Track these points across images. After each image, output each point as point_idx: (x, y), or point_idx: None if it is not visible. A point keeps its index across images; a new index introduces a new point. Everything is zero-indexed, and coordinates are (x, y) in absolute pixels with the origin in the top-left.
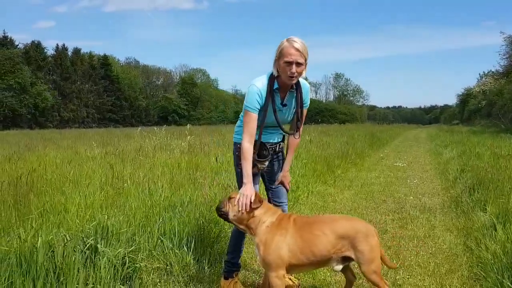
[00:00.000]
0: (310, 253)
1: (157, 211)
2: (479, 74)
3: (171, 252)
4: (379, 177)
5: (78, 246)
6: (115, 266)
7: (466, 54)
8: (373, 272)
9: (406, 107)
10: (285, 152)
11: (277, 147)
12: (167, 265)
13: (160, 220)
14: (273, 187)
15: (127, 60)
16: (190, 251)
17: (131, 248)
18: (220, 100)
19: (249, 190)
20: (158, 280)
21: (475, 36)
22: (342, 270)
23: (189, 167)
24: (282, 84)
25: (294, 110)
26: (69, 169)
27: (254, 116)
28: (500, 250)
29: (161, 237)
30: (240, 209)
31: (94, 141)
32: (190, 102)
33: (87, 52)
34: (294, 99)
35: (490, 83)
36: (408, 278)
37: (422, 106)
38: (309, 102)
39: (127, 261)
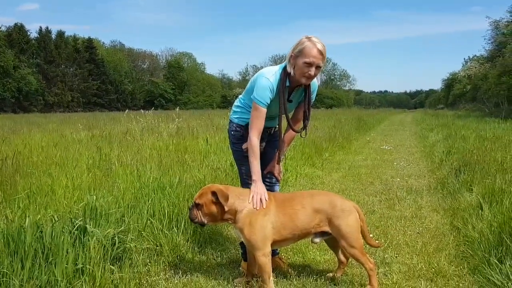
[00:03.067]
0: (292, 227)
1: (146, 192)
2: (464, 59)
3: (160, 233)
4: (366, 159)
5: (66, 227)
6: (104, 246)
7: (452, 40)
8: (352, 247)
9: (392, 92)
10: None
11: (272, 130)
12: (156, 246)
13: (150, 201)
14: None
15: (112, 43)
16: (180, 232)
17: (121, 229)
18: (207, 84)
19: (261, 187)
20: (148, 261)
21: (461, 22)
22: (334, 251)
23: (177, 149)
24: (293, 82)
25: (296, 105)
26: (55, 151)
27: (264, 111)
28: (487, 229)
29: (150, 218)
30: (254, 207)
31: (80, 124)
32: (177, 87)
33: (71, 35)
34: (300, 96)
35: (475, 67)
36: (396, 256)
37: (408, 91)
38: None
39: (116, 241)
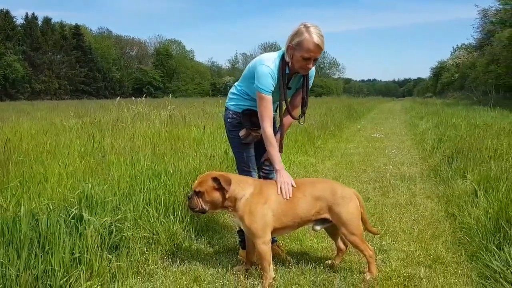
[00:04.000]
0: (293, 215)
1: (141, 180)
2: (453, 47)
3: (157, 221)
4: (357, 147)
5: (62, 215)
6: (101, 235)
7: (440, 28)
8: (352, 234)
9: (380, 80)
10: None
11: None
12: (153, 234)
13: (145, 189)
14: (262, 160)
15: (100, 30)
16: (176, 220)
17: (118, 217)
18: (196, 72)
19: (286, 176)
20: (145, 249)
21: (450, 10)
22: (333, 239)
23: (170, 137)
24: (292, 69)
25: (294, 92)
26: (46, 139)
27: (270, 99)
28: (484, 216)
29: (146, 206)
30: (285, 197)
31: (71, 111)
32: (166, 74)
33: (58, 22)
34: (298, 83)
35: (463, 56)
36: (393, 243)
37: (396, 79)
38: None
39: (114, 230)
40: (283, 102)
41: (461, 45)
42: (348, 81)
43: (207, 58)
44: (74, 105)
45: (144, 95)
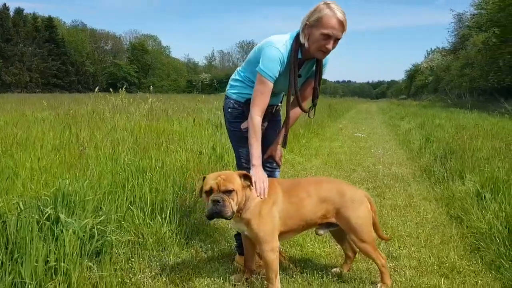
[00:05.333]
0: (298, 218)
1: (124, 176)
2: (427, 51)
3: (143, 223)
4: (342, 146)
5: (34, 216)
6: (81, 239)
7: (415, 32)
8: (362, 241)
9: (355, 82)
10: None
11: (274, 108)
12: (139, 238)
13: (129, 186)
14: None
15: (74, 23)
16: (164, 222)
17: (101, 219)
18: (172, 68)
19: (261, 173)
20: (130, 255)
21: (425, 14)
22: (341, 244)
23: (152, 131)
24: (305, 54)
25: (304, 81)
26: (15, 131)
27: (270, 86)
28: (496, 220)
29: (130, 207)
30: (260, 196)
31: (42, 103)
32: (141, 69)
33: (30, 13)
34: (309, 70)
35: (438, 59)
36: (402, 249)
37: (370, 81)
38: None
39: (95, 233)
40: (292, 92)
41: (435, 49)
42: (323, 81)
43: (184, 55)
44: (46, 98)
45: (124, 86)
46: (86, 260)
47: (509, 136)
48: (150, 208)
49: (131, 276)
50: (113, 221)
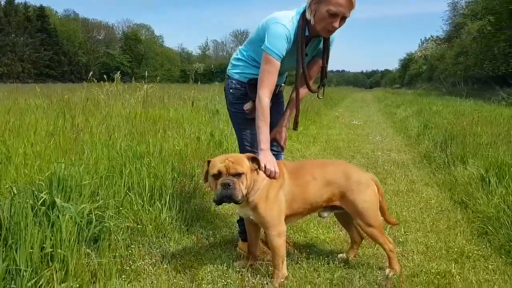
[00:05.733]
0: (303, 201)
1: (121, 161)
2: (421, 39)
3: (141, 209)
4: (340, 134)
5: (28, 201)
6: (78, 225)
7: (409, 21)
8: (369, 226)
9: (349, 71)
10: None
11: (278, 89)
12: (137, 224)
13: (127, 172)
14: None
15: (66, 13)
16: (164, 208)
17: (98, 203)
18: (165, 58)
19: (271, 157)
20: (129, 242)
21: (419, 3)
22: (347, 229)
23: (149, 117)
24: (312, 31)
25: (310, 60)
26: (8, 118)
27: (278, 65)
28: (504, 204)
29: (128, 192)
30: (272, 176)
31: (35, 92)
32: (134, 59)
33: (22, 3)
34: (315, 49)
35: (432, 48)
36: (408, 234)
37: (364, 71)
38: None
39: (93, 219)
40: (300, 71)
41: (430, 38)
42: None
43: (177, 44)
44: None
45: (119, 72)
46: (84, 247)
47: (508, 122)
48: (148, 194)
49: (131, 263)
50: (111, 206)
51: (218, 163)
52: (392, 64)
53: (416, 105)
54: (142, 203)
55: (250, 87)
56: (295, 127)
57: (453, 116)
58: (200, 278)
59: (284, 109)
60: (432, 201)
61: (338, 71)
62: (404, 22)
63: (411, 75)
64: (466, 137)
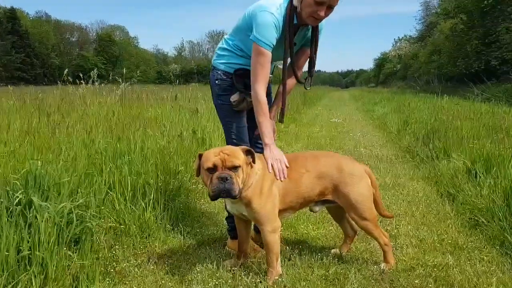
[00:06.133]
0: (296, 195)
1: (101, 160)
2: (394, 39)
3: (124, 209)
4: (321, 131)
5: (2, 201)
6: (58, 225)
7: (383, 20)
8: (363, 219)
9: (325, 71)
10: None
11: None
12: (120, 224)
13: (107, 169)
14: (256, 133)
15: (37, 14)
16: (148, 206)
17: (79, 202)
18: (141, 59)
19: (277, 152)
20: (113, 243)
21: (392, 3)
22: (340, 223)
23: (127, 116)
24: (300, 19)
25: (298, 49)
26: None
27: (269, 56)
28: (494, 195)
29: (109, 191)
30: (278, 178)
31: (7, 93)
32: (109, 61)
33: None
34: (304, 38)
35: (405, 47)
36: (399, 228)
37: (340, 71)
38: None
39: (74, 219)
40: (288, 61)
41: (403, 37)
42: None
43: (152, 46)
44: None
45: (95, 70)
46: (65, 248)
47: (487, 116)
48: (131, 192)
49: (115, 265)
50: (92, 205)
51: (213, 156)
52: (367, 63)
53: (394, 102)
54: (124, 202)
55: (237, 77)
56: (281, 118)
57: (433, 112)
58: (190, 279)
59: (272, 101)
60: (420, 195)
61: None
62: (378, 22)
63: (385, 74)
64: (448, 131)
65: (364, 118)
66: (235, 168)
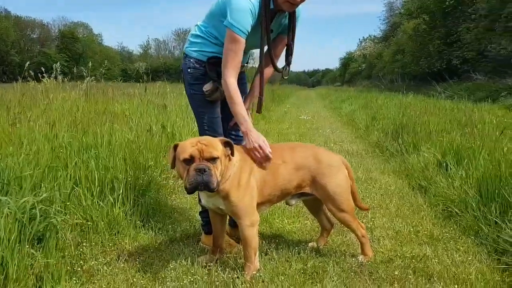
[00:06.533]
0: (273, 187)
1: (65, 154)
2: (359, 39)
3: (91, 205)
4: (290, 128)
5: None
6: (20, 221)
7: (349, 21)
8: (341, 211)
9: (291, 71)
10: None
11: (241, 69)
12: (87, 221)
13: (73, 163)
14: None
15: None
16: (117, 202)
17: (42, 196)
18: (105, 57)
19: (257, 137)
20: (80, 240)
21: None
22: (316, 216)
23: (92, 111)
24: (276, 5)
25: (275, 37)
26: None
27: (243, 43)
28: (466, 186)
29: (75, 186)
30: (264, 168)
31: None
32: (71, 59)
33: None
34: (280, 25)
35: (370, 47)
36: (375, 220)
37: (306, 70)
38: None
39: (37, 214)
40: (265, 48)
41: (368, 37)
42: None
43: (117, 43)
44: None
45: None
46: (27, 246)
47: (453, 112)
48: (98, 188)
49: (82, 263)
50: (57, 200)
51: (190, 146)
52: (333, 63)
53: (361, 99)
54: (91, 198)
55: (210, 66)
56: (259, 109)
57: (400, 108)
58: (163, 276)
59: (248, 90)
60: (392, 188)
61: None
62: (343, 22)
63: (351, 73)
64: (416, 126)
65: (332, 115)
66: (213, 159)
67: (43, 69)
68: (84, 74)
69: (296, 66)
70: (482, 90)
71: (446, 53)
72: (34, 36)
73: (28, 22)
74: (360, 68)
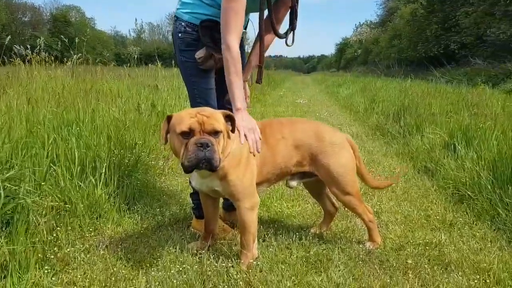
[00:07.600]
0: (272, 165)
1: (43, 129)
2: (355, 24)
3: (70, 185)
4: (287, 111)
5: None
6: None
7: (344, 6)
8: (345, 193)
9: (287, 57)
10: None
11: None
12: (65, 203)
13: (50, 141)
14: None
15: None
16: (99, 183)
17: (9, 174)
18: (98, 41)
19: (249, 120)
20: (54, 224)
21: None
22: (318, 199)
23: (80, 89)
24: None
25: (275, 1)
26: None
27: (244, 3)
28: (478, 167)
29: (52, 165)
30: (252, 150)
31: None
32: (64, 43)
33: None
34: None
35: (366, 32)
36: (381, 204)
37: (301, 56)
38: None
39: (2, 194)
40: (264, 11)
41: (364, 22)
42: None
43: (110, 27)
44: None
45: (42, 39)
46: None
47: (454, 95)
48: (79, 167)
49: (57, 251)
50: (28, 179)
51: (188, 118)
52: (328, 49)
53: (358, 83)
54: (70, 178)
55: (203, 30)
56: (259, 79)
57: (400, 91)
58: (148, 265)
59: (246, 60)
60: (397, 170)
61: (276, 56)
62: (339, 7)
63: (347, 59)
64: (419, 108)
65: (329, 99)
66: (216, 133)
67: (28, 46)
68: (71, 53)
69: (291, 52)
70: (481, 75)
71: (444, 38)
72: (26, 19)
73: (19, 5)
74: (356, 54)
